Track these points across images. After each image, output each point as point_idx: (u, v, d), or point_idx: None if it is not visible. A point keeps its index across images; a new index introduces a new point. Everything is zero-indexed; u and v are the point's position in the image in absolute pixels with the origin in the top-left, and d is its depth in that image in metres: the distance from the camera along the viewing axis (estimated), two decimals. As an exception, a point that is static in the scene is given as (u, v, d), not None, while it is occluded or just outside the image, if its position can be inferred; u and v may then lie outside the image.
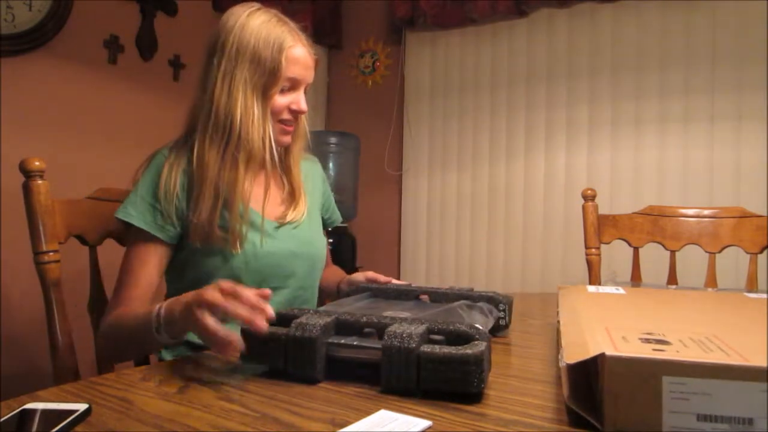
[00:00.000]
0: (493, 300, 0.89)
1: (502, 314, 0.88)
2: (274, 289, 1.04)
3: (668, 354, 0.48)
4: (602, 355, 0.48)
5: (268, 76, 0.99)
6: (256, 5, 1.04)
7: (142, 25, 2.18)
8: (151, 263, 0.97)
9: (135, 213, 0.97)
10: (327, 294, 1.25)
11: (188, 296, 0.73)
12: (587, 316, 0.68)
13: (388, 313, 0.78)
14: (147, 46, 2.19)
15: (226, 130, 0.98)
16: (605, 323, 0.63)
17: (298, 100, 1.03)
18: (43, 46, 1.87)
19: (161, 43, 2.23)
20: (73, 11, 1.93)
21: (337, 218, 1.29)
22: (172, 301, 0.77)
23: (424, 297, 0.95)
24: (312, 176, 1.21)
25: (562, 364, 0.55)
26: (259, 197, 1.06)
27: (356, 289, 0.99)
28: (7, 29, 1.76)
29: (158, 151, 1.04)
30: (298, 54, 1.01)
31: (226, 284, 0.70)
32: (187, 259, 1.01)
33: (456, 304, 0.85)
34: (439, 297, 0.93)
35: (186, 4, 2.29)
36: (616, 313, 0.73)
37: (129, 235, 1.00)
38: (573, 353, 0.53)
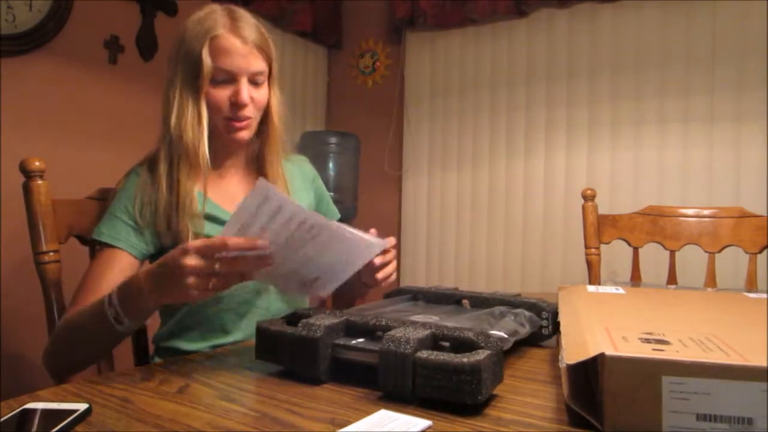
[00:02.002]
0: (535, 307, 0.84)
1: (544, 322, 0.84)
2: (259, 291, 1.04)
3: (668, 354, 0.48)
4: (602, 355, 0.48)
5: (195, 70, 0.95)
6: (215, 5, 1.01)
7: (142, 25, 2.18)
8: (113, 274, 0.94)
9: (106, 231, 0.96)
10: (355, 295, 1.15)
11: (155, 266, 0.73)
12: (587, 316, 0.68)
13: (418, 317, 0.76)
14: (147, 46, 2.19)
15: (167, 133, 0.98)
16: (605, 323, 0.63)
17: (238, 90, 0.96)
18: (43, 46, 1.87)
19: (161, 43, 2.23)
20: (73, 11, 1.93)
21: (334, 216, 1.26)
22: (126, 280, 0.77)
23: (466, 302, 0.93)
24: (297, 177, 1.18)
25: (562, 365, 0.55)
26: (233, 200, 1.05)
27: (397, 291, 0.98)
28: (7, 29, 1.76)
29: (133, 169, 1.03)
30: (226, 43, 0.95)
31: (198, 245, 0.68)
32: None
33: (490, 310, 0.82)
34: (480, 302, 0.90)
35: (186, 4, 2.29)
36: (616, 313, 0.73)
37: (98, 249, 0.97)
38: (573, 353, 0.53)
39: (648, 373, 0.47)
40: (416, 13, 2.77)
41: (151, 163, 1.01)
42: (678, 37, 2.27)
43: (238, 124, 0.99)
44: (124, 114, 2.11)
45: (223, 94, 0.97)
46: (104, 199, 1.11)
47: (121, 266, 0.96)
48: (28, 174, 0.99)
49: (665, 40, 2.29)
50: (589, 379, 0.54)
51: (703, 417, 0.46)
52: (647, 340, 0.53)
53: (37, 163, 0.99)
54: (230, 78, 0.97)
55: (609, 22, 2.40)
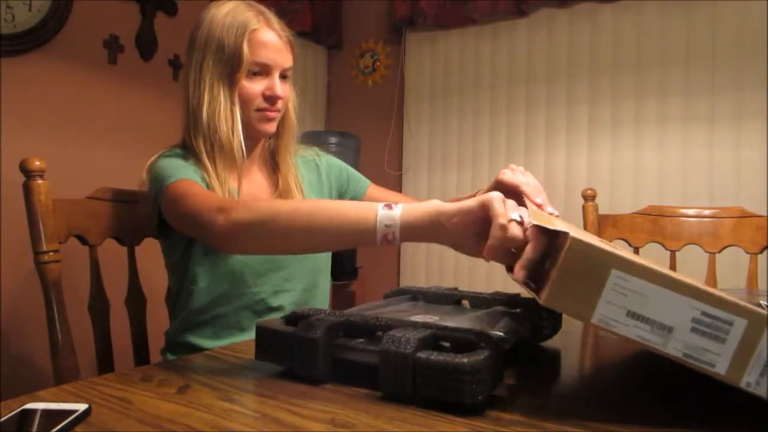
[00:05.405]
0: (535, 307, 0.83)
1: (544, 322, 0.83)
2: (276, 292, 1.04)
3: (624, 254, 0.52)
4: (566, 234, 0.51)
5: (232, 62, 0.97)
6: (233, 1, 1.02)
7: (142, 25, 2.18)
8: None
9: (179, 174, 0.93)
10: None
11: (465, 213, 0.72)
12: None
13: (418, 317, 0.76)
14: (147, 46, 2.19)
15: (199, 123, 0.98)
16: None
17: (273, 85, 1.00)
18: (43, 46, 1.86)
19: (161, 43, 2.23)
20: (73, 11, 1.93)
21: (363, 186, 1.26)
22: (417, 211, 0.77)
23: (466, 302, 0.93)
24: (305, 176, 1.17)
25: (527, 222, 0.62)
26: (250, 194, 1.05)
27: (397, 291, 0.98)
28: (7, 29, 1.76)
29: (170, 151, 1.02)
30: (264, 37, 0.99)
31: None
32: (189, 256, 1.00)
33: (490, 310, 0.81)
34: (480, 302, 0.90)
35: (186, 4, 2.29)
36: None
37: (170, 188, 0.92)
38: (541, 222, 0.59)
39: (602, 263, 0.50)
40: (416, 13, 2.77)
41: (186, 152, 1.01)
42: (678, 37, 2.27)
43: (270, 115, 1.02)
44: (123, 114, 2.11)
45: (256, 86, 0.99)
46: (104, 199, 1.11)
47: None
48: (28, 174, 0.99)
49: (665, 40, 2.29)
50: (544, 260, 0.58)
51: (632, 315, 0.50)
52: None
53: (37, 163, 0.99)
54: (264, 71, 1.00)
55: (609, 22, 2.40)
